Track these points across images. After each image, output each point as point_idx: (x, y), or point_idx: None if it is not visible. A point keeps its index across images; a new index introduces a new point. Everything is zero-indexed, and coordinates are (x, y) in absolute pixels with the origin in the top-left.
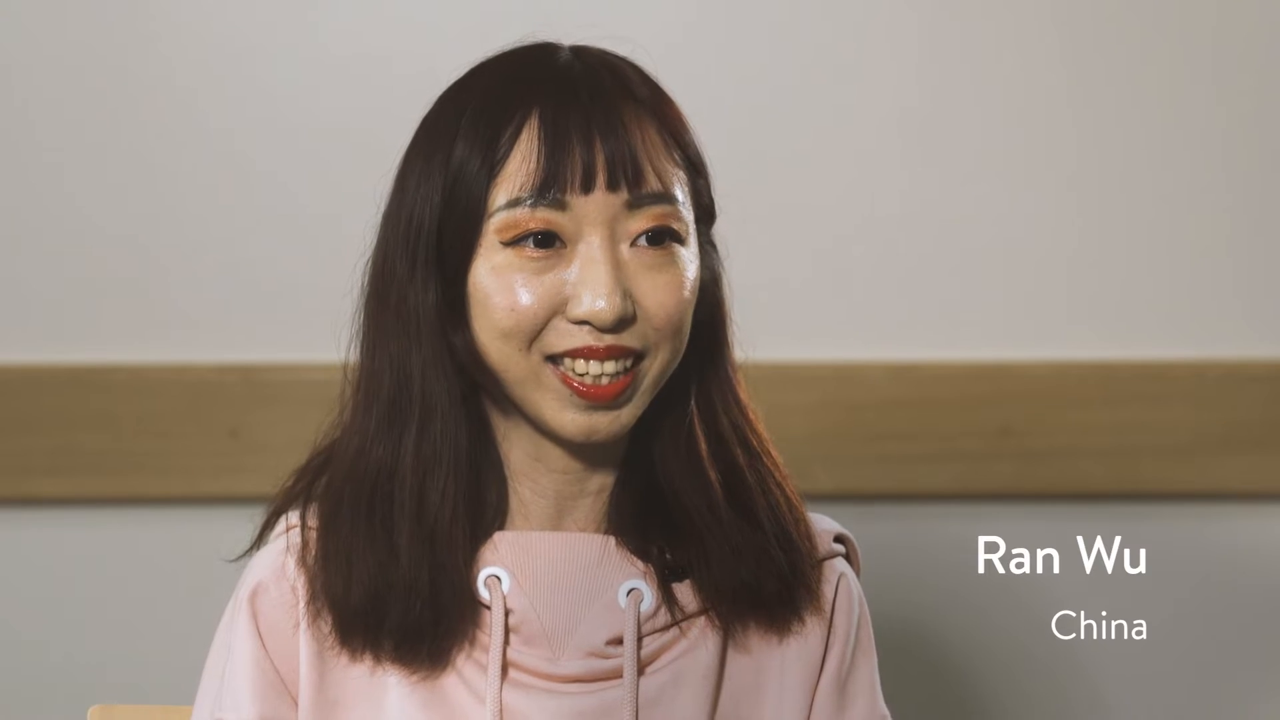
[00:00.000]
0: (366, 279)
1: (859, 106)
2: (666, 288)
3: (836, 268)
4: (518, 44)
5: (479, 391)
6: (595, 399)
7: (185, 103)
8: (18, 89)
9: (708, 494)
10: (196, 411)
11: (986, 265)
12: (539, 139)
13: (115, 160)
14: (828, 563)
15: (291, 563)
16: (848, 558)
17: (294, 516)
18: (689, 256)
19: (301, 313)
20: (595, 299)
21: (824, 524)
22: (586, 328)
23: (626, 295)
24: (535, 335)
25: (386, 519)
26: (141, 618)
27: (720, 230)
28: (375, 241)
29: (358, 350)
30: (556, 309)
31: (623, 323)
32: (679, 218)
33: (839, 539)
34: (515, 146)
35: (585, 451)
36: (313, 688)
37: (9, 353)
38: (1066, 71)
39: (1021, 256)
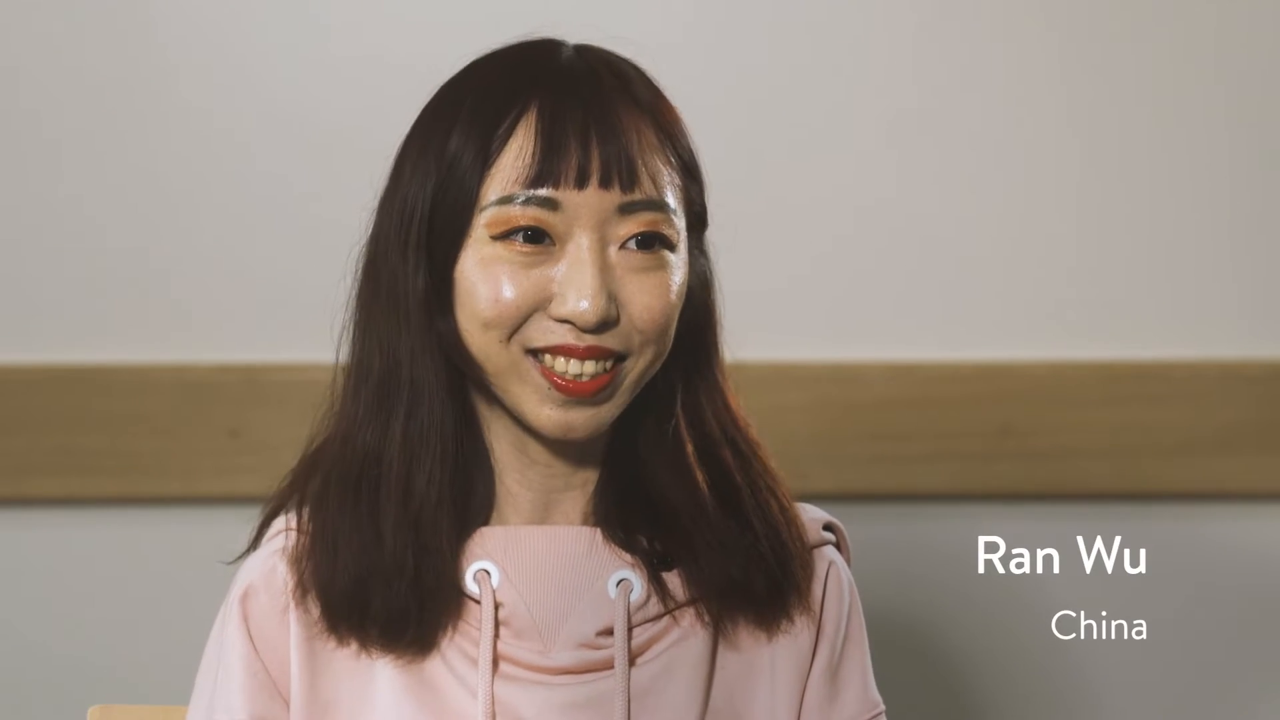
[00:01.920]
0: (361, 265)
1: (858, 106)
2: (652, 291)
3: (835, 267)
4: (521, 39)
5: (466, 382)
6: (574, 394)
7: (186, 102)
8: (18, 89)
9: (694, 493)
10: (196, 411)
11: (986, 265)
12: (535, 134)
13: (116, 160)
14: (817, 551)
15: (283, 565)
16: (837, 546)
17: (289, 519)
18: (677, 262)
19: (301, 313)
20: (579, 299)
21: (812, 513)
22: (568, 326)
23: (611, 298)
24: (516, 328)
25: (372, 503)
26: (141, 618)
27: (718, 229)
28: (370, 227)
29: (349, 338)
30: (540, 304)
31: (604, 325)
32: (670, 224)
33: (828, 527)
34: (511, 140)
35: (567, 446)
36: (304, 687)
37: (9, 353)
38: (1066, 71)
39: (1021, 256)
